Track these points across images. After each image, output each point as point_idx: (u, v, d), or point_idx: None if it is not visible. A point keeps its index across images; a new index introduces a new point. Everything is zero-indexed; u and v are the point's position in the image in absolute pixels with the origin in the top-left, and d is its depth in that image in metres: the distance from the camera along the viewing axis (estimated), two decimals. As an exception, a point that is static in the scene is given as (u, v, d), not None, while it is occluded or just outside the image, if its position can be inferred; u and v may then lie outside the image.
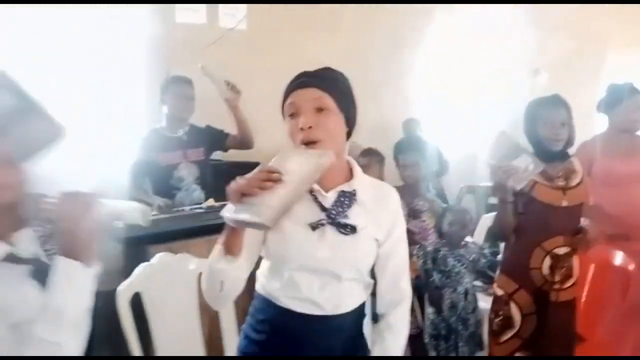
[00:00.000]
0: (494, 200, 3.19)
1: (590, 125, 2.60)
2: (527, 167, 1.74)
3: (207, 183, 2.68)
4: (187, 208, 2.50)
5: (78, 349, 0.90)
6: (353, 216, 1.18)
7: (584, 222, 1.99)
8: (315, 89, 1.15)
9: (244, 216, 0.99)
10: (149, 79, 2.89)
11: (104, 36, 2.92)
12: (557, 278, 1.92)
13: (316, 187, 1.16)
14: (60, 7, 2.77)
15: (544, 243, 1.92)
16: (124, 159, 2.58)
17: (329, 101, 1.15)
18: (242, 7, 3.65)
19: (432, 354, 2.16)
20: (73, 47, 2.79)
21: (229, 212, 1.01)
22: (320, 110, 1.14)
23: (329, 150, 1.08)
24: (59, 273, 0.88)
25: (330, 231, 1.16)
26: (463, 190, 4.38)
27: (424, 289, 2.19)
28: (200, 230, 2.24)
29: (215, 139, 2.73)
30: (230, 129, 2.70)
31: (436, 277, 2.15)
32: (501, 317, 1.98)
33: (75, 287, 0.88)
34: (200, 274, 1.79)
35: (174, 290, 1.83)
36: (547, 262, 1.92)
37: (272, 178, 1.00)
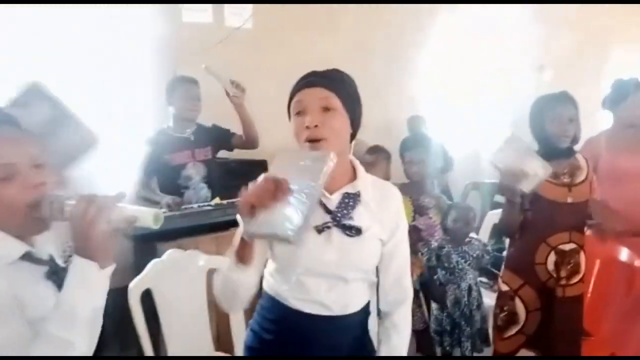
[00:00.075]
0: (499, 197, 3.20)
1: (593, 122, 2.60)
2: (536, 171, 1.72)
3: (214, 181, 2.69)
4: (195, 206, 2.52)
5: (90, 348, 0.91)
6: (357, 217, 1.18)
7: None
8: (322, 89, 1.15)
9: (268, 231, 0.98)
10: (156, 79, 2.89)
11: (110, 36, 2.94)
12: (563, 274, 1.93)
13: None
14: (65, 7, 2.78)
15: (549, 239, 1.93)
16: (132, 159, 2.60)
17: (335, 101, 1.15)
18: (248, 7, 3.66)
19: (437, 348, 2.18)
20: (79, 47, 2.81)
21: (249, 225, 1.00)
22: (326, 109, 1.14)
23: (330, 152, 1.05)
24: (75, 272, 0.89)
25: (336, 234, 1.16)
26: (468, 187, 4.37)
27: (429, 285, 2.21)
28: (209, 228, 2.28)
29: (222, 138, 2.74)
30: (236, 129, 2.71)
31: (440, 273, 2.16)
32: (506, 313, 1.99)
33: (89, 286, 0.89)
34: (209, 270, 1.84)
35: (184, 285, 1.86)
36: (552, 258, 1.93)
37: (282, 189, 0.98)
